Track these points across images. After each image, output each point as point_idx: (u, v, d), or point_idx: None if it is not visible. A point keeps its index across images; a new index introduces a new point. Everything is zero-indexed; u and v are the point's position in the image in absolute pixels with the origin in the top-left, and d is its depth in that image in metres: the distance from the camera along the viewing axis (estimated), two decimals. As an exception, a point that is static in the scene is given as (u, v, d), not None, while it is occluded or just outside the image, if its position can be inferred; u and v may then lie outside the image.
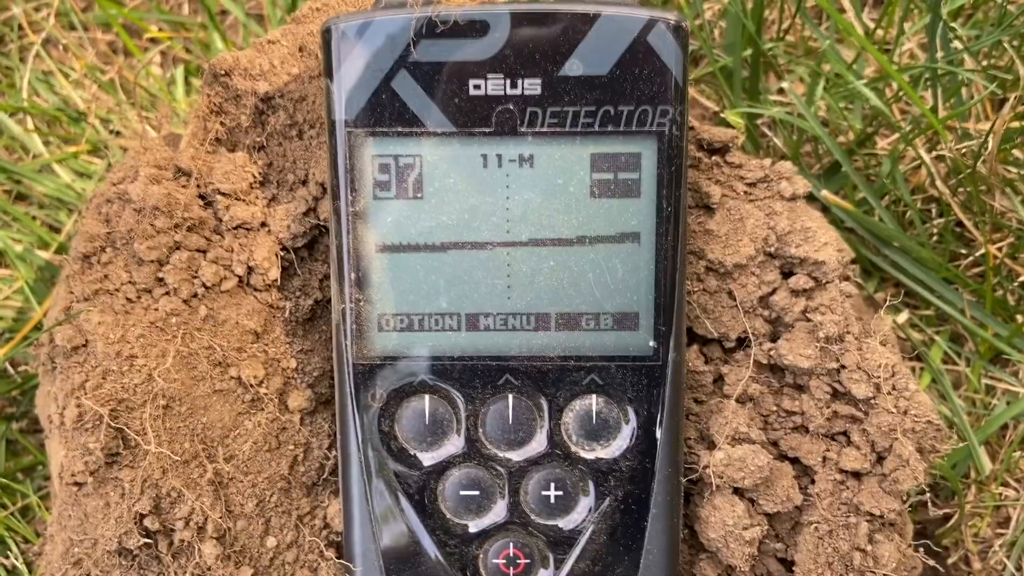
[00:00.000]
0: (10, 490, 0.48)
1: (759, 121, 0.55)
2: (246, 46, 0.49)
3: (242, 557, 0.37)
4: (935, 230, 0.51)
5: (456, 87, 0.34)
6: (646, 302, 0.36)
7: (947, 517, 0.49)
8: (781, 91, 0.55)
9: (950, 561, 0.49)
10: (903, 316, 0.50)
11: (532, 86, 0.34)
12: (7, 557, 0.46)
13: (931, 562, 0.39)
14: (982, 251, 0.48)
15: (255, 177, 0.39)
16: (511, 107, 0.34)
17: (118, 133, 0.56)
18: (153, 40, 0.58)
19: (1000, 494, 0.49)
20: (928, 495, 0.40)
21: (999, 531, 0.49)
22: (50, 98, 0.56)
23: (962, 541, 0.48)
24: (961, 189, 0.48)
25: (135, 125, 0.51)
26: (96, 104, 0.54)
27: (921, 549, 0.39)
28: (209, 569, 0.37)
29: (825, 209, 0.51)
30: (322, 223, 0.39)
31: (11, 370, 0.51)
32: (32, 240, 0.53)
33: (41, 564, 0.39)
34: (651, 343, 0.36)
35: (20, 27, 0.57)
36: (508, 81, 0.34)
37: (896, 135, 0.49)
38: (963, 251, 0.50)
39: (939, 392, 0.49)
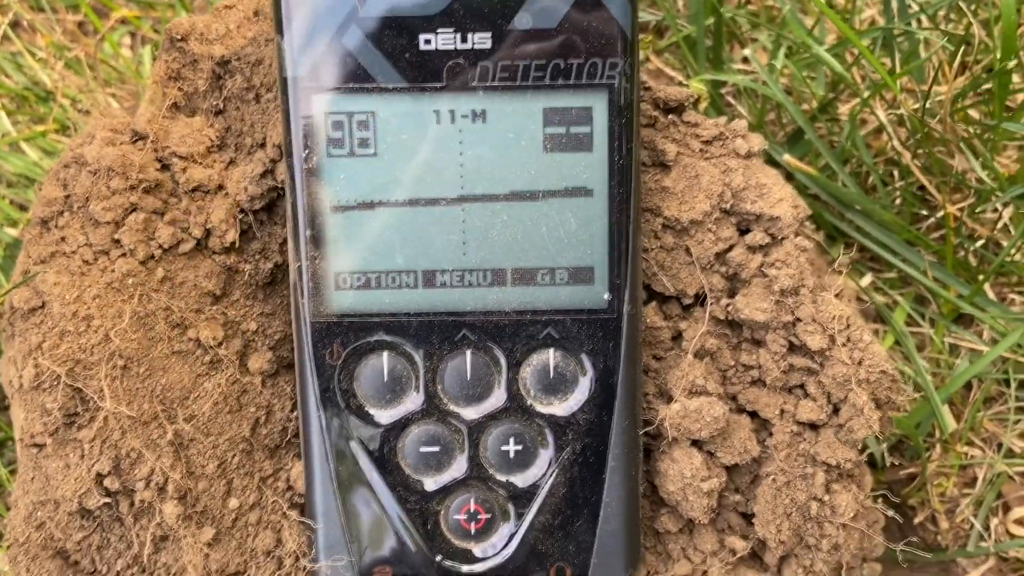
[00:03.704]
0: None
1: (723, 91, 0.55)
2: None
3: (204, 518, 0.37)
4: (897, 193, 0.51)
5: (406, 42, 0.34)
6: (600, 256, 0.36)
7: (912, 477, 0.50)
8: (745, 60, 0.55)
9: (917, 520, 0.49)
10: (867, 279, 0.51)
11: (482, 40, 0.34)
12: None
13: (891, 513, 0.40)
14: (943, 212, 0.48)
15: (212, 140, 0.39)
16: (462, 61, 0.34)
17: (87, 112, 0.56)
18: (123, 21, 0.58)
19: (965, 453, 0.49)
20: (884, 446, 0.41)
21: (965, 491, 0.50)
22: (18, 78, 0.56)
23: (928, 500, 0.49)
24: (921, 151, 0.48)
25: (100, 98, 0.51)
26: (64, 83, 0.54)
27: (880, 500, 0.39)
28: (171, 529, 0.37)
29: (790, 176, 0.51)
30: (280, 185, 0.39)
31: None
32: (0, 218, 0.53)
33: (5, 530, 0.39)
34: (606, 296, 0.36)
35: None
36: (458, 35, 0.34)
37: (857, 99, 0.50)
38: (924, 213, 0.50)
39: (903, 354, 0.50)
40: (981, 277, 0.48)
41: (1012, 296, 0.50)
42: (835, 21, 0.43)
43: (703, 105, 0.50)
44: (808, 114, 0.51)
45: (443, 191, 0.35)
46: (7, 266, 0.51)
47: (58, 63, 0.54)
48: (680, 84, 0.55)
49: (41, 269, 0.36)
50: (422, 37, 0.34)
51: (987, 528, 0.49)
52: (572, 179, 0.35)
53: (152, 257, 0.37)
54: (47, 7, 0.59)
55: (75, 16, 0.60)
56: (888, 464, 0.46)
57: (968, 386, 0.50)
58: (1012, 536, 0.48)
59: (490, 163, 0.35)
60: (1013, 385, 0.48)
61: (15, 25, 0.59)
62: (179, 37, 0.39)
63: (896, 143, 0.46)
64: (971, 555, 0.48)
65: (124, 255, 0.37)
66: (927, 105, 0.45)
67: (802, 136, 0.52)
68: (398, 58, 0.34)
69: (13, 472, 0.49)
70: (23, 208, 0.54)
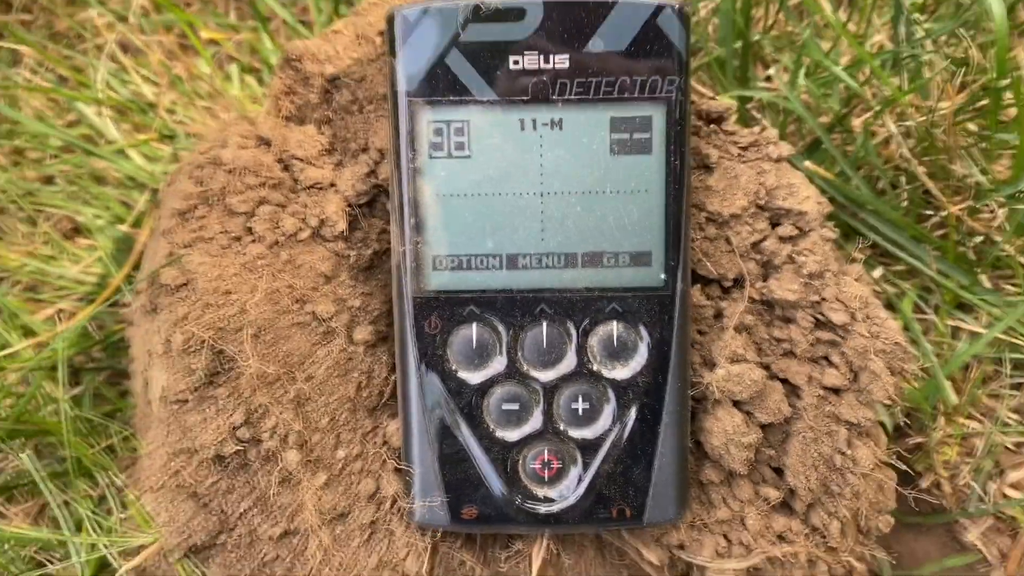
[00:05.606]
0: (96, 431, 0.55)
1: (749, 105, 0.62)
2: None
3: (317, 465, 0.44)
4: (904, 196, 0.58)
5: (499, 62, 0.41)
6: (657, 242, 0.42)
7: (918, 447, 0.56)
8: (768, 79, 0.62)
9: (923, 485, 0.56)
10: (878, 271, 0.57)
11: (562, 61, 0.41)
12: (96, 487, 0.52)
13: (903, 467, 0.46)
14: (946, 212, 0.55)
15: (323, 145, 0.46)
16: (544, 79, 0.41)
17: (183, 123, 0.63)
18: (212, 42, 0.65)
19: (966, 425, 0.56)
20: (898, 410, 0.47)
21: (966, 459, 0.56)
22: (122, 92, 0.63)
23: (933, 467, 0.55)
24: (926, 158, 0.55)
25: (196, 114, 0.58)
26: (164, 96, 0.61)
27: (895, 456, 0.46)
28: (291, 474, 0.43)
29: (809, 181, 0.58)
30: (381, 183, 0.45)
31: (94, 330, 0.58)
32: (110, 216, 0.60)
33: (140, 474, 0.45)
34: (662, 276, 0.42)
35: (95, 28, 0.64)
36: (541, 57, 0.41)
37: (869, 112, 0.57)
38: (929, 213, 0.57)
39: (911, 338, 0.56)
40: (979, 269, 0.55)
41: (1006, 286, 0.57)
42: (852, 43, 0.50)
43: (734, 116, 0.57)
44: (825, 126, 0.58)
45: (526, 187, 0.42)
46: (120, 258, 0.57)
47: (163, 79, 0.61)
48: (711, 100, 0.61)
49: (186, 252, 0.43)
50: (511, 58, 0.41)
51: (985, 491, 0.55)
52: (634, 177, 0.42)
53: (277, 243, 0.44)
54: (145, 29, 0.66)
55: (165, 37, 0.67)
56: (900, 434, 0.53)
57: (968, 366, 0.56)
58: (1007, 498, 0.54)
59: (566, 163, 0.42)
60: (1007, 364, 0.55)
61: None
62: (294, 58, 0.46)
63: (905, 151, 0.53)
64: (971, 515, 0.54)
65: (254, 241, 0.44)
66: (932, 118, 0.52)
67: (819, 146, 0.58)
68: (491, 76, 0.41)
69: (124, 440, 0.56)
70: (128, 206, 0.61)
